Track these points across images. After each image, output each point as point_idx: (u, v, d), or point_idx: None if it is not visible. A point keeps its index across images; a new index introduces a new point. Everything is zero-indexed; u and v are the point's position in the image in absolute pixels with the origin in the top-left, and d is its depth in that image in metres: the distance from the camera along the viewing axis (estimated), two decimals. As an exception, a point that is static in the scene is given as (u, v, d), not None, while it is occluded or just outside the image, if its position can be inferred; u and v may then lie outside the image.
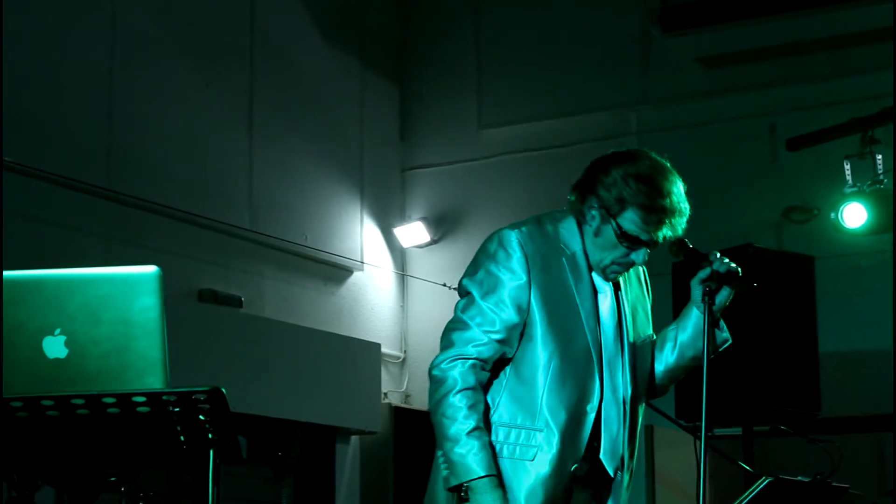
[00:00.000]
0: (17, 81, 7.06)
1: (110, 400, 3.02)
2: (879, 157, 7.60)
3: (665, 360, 3.69)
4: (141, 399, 3.02)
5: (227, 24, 8.71)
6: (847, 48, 8.65)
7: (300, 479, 8.76)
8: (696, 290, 3.57)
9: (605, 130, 9.09)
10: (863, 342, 8.27)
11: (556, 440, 3.45)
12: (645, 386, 3.66)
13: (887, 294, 7.86)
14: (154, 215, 7.90)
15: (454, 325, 3.50)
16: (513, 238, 3.52)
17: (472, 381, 3.42)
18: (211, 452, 3.08)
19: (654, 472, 7.54)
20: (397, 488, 9.16)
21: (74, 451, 3.20)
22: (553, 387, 3.47)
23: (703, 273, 3.55)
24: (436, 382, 3.44)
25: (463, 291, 3.55)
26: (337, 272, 9.40)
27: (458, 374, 3.41)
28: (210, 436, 3.06)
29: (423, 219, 9.89)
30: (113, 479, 3.35)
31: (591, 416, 3.50)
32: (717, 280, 3.54)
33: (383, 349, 9.33)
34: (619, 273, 3.59)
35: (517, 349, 3.49)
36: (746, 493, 4.80)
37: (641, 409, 3.66)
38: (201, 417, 3.03)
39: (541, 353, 3.48)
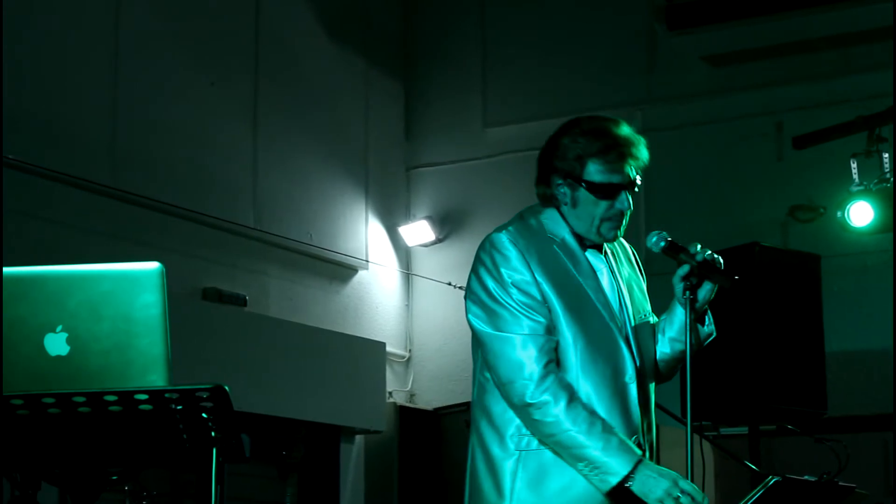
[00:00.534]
0: (21, 80, 7.06)
1: (112, 398, 3.00)
2: (886, 155, 7.57)
3: (660, 349, 3.69)
4: (143, 397, 3.00)
5: (231, 23, 8.69)
6: (853, 46, 8.63)
7: (304, 478, 8.74)
8: (678, 288, 3.55)
9: (611, 129, 9.06)
10: (869, 341, 8.24)
11: (601, 416, 3.44)
12: (652, 365, 3.65)
13: (894, 293, 7.84)
14: (158, 214, 7.89)
15: (500, 348, 3.46)
16: (503, 239, 3.53)
17: (557, 386, 3.41)
18: (214, 451, 3.06)
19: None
20: (402, 488, 9.14)
21: (76, 450, 3.18)
22: (586, 367, 3.47)
23: (682, 270, 3.53)
24: (536, 409, 3.41)
25: (480, 310, 3.52)
26: (342, 271, 9.39)
27: (544, 391, 3.40)
28: (213, 434, 3.04)
29: (428, 217, 9.87)
30: (115, 477, 3.34)
31: (633, 387, 3.52)
32: (698, 275, 3.51)
33: (388, 348, 9.31)
34: (615, 228, 3.58)
35: None
36: (753, 493, 4.78)
37: (652, 386, 3.66)
38: (204, 416, 3.01)
39: (567, 339, 3.48)
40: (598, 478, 3.38)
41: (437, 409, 9.39)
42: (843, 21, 8.44)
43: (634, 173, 3.54)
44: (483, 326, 3.51)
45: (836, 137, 7.81)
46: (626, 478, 3.37)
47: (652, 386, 3.66)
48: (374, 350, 9.08)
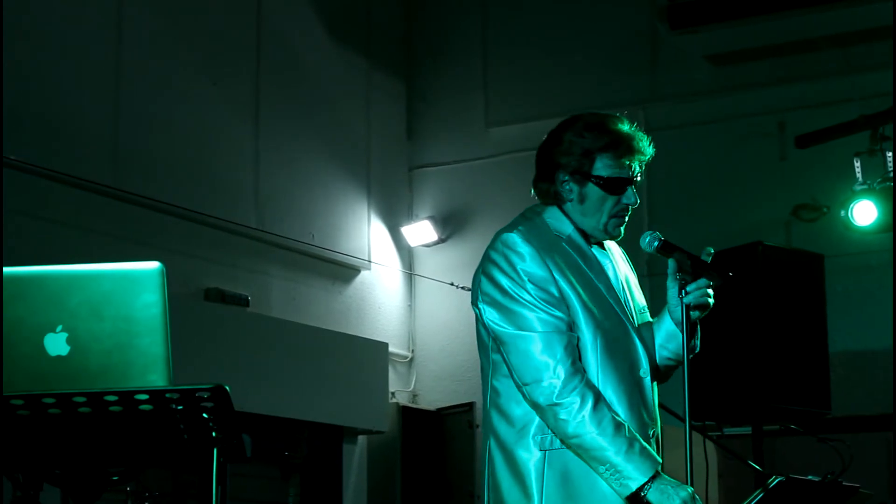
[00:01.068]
0: (23, 79, 7.05)
1: (112, 398, 2.99)
2: (889, 154, 7.56)
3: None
4: (143, 397, 2.99)
5: (233, 23, 8.69)
6: (856, 45, 8.62)
7: (307, 478, 8.73)
8: (672, 289, 3.54)
9: (613, 128, 9.05)
10: (873, 341, 8.23)
11: (622, 412, 3.45)
12: (654, 360, 3.65)
13: (897, 292, 7.82)
14: (160, 214, 7.88)
15: (524, 346, 3.44)
16: (516, 238, 3.51)
17: (584, 387, 3.40)
18: (214, 451, 3.05)
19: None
20: (405, 488, 9.13)
21: (76, 450, 3.17)
22: (605, 363, 3.47)
23: (673, 265, 3.53)
24: (563, 409, 3.39)
25: (496, 311, 3.49)
26: (344, 271, 9.38)
27: (572, 391, 3.39)
28: (213, 434, 3.03)
29: (431, 217, 9.87)
30: (115, 478, 3.33)
31: (648, 380, 3.55)
32: (692, 272, 3.50)
33: (391, 348, 9.30)
34: (621, 224, 3.59)
35: None
36: (756, 493, 4.78)
37: (654, 384, 3.65)
38: (205, 416, 3.00)
39: (585, 335, 3.48)
40: (617, 482, 3.39)
41: (439, 410, 9.39)
42: (845, 20, 8.43)
43: (639, 168, 3.55)
44: (503, 326, 3.48)
45: (840, 136, 7.80)
46: (644, 485, 3.37)
47: (654, 383, 3.66)
48: (376, 350, 9.07)
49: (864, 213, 7.62)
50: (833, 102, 8.41)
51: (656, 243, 3.54)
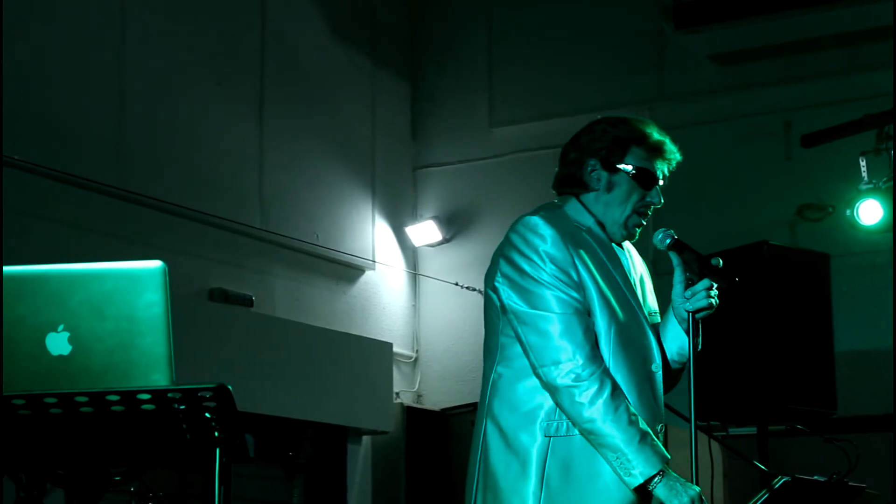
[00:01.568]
0: (25, 79, 7.05)
1: (114, 398, 2.99)
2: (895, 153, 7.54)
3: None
4: (146, 397, 2.98)
5: (237, 22, 8.68)
6: (860, 44, 8.61)
7: (311, 479, 8.72)
8: (677, 288, 3.55)
9: (618, 128, 9.04)
10: (879, 340, 8.20)
11: (632, 403, 3.44)
12: (665, 357, 3.65)
13: (904, 292, 7.80)
14: (164, 214, 7.87)
15: (544, 327, 3.43)
16: (538, 221, 3.50)
17: (603, 373, 3.40)
18: (217, 451, 3.04)
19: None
20: (409, 488, 9.12)
21: (78, 450, 3.16)
22: (617, 353, 3.47)
23: (677, 261, 3.54)
24: (581, 392, 3.38)
25: (514, 291, 3.47)
26: (348, 271, 9.37)
27: (591, 375, 3.39)
28: (216, 434, 3.02)
29: (435, 217, 9.85)
30: (118, 478, 3.31)
31: (660, 375, 3.55)
32: (699, 271, 3.51)
33: (395, 349, 9.29)
34: (640, 225, 3.60)
35: None
36: (762, 493, 4.76)
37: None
38: (207, 416, 2.99)
39: (600, 323, 3.47)
40: (625, 472, 3.38)
41: (444, 410, 9.37)
42: (849, 19, 8.42)
43: (666, 171, 3.58)
44: (522, 306, 3.46)
45: (845, 136, 7.79)
46: (652, 479, 3.37)
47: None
48: (381, 350, 9.07)
49: (870, 212, 7.60)
50: (838, 102, 8.40)
51: (668, 240, 3.54)
